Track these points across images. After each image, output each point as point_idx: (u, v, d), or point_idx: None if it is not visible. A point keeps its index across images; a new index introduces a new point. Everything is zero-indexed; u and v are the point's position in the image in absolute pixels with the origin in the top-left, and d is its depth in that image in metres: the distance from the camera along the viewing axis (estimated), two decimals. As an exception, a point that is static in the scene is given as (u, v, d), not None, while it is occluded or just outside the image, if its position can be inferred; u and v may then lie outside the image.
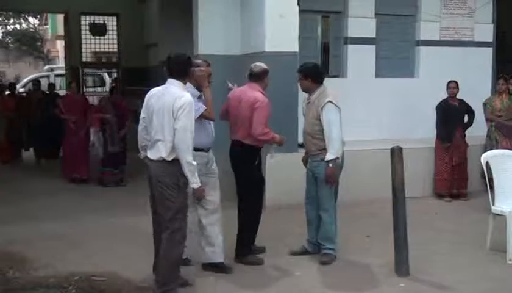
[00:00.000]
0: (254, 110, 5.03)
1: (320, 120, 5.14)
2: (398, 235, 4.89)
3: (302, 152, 5.72)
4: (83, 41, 14.36)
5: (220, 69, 6.23)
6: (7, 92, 11.60)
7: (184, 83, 4.39)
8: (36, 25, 35.18)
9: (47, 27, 28.13)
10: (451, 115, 7.74)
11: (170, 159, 4.23)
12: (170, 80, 4.36)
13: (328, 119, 5.09)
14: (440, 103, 7.85)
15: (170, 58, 4.41)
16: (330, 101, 5.11)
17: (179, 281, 4.44)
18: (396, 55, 8.89)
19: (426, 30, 8.83)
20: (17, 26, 36.20)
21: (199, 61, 4.98)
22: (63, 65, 19.67)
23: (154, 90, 4.42)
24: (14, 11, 26.68)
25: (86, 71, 15.50)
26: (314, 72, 5.34)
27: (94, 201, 7.77)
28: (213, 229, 4.94)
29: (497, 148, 7.22)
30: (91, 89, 16.67)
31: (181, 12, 10.06)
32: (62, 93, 12.56)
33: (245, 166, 5.19)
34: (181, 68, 4.38)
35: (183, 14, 9.47)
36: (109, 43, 14.69)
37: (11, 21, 35.07)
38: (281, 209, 6.73)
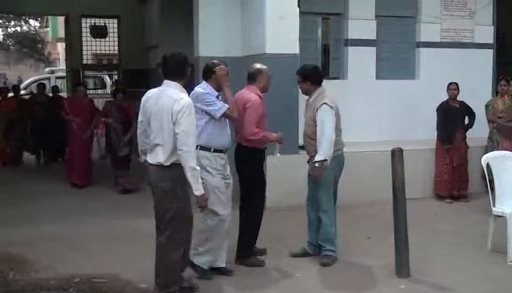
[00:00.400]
0: (245, 111, 5.02)
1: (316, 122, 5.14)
2: (399, 236, 4.88)
3: (302, 154, 5.72)
4: (84, 43, 14.41)
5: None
6: (10, 94, 11.57)
7: (182, 84, 4.21)
8: (37, 28, 35.27)
9: (48, 29, 28.19)
10: (452, 117, 7.74)
11: (168, 164, 4.12)
12: (166, 82, 4.19)
13: (322, 120, 5.06)
14: (440, 105, 7.85)
15: (167, 58, 4.22)
16: (325, 103, 5.08)
17: (181, 284, 4.40)
18: (396, 56, 8.90)
19: (427, 31, 8.84)
20: (18, 28, 36.31)
21: (216, 61, 4.88)
22: (64, 67, 19.71)
23: (150, 92, 4.27)
24: (15, 13, 26.79)
25: (87, 73, 15.50)
26: (313, 74, 5.32)
27: (95, 203, 7.75)
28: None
29: (497, 150, 7.22)
30: (91, 91, 16.68)
31: (181, 14, 10.10)
32: (62, 95, 12.56)
33: (247, 168, 5.18)
34: (179, 68, 4.22)
35: (183, 16, 9.49)
36: (110, 45, 14.74)
37: (12, 23, 35.17)
38: (282, 211, 6.73)
